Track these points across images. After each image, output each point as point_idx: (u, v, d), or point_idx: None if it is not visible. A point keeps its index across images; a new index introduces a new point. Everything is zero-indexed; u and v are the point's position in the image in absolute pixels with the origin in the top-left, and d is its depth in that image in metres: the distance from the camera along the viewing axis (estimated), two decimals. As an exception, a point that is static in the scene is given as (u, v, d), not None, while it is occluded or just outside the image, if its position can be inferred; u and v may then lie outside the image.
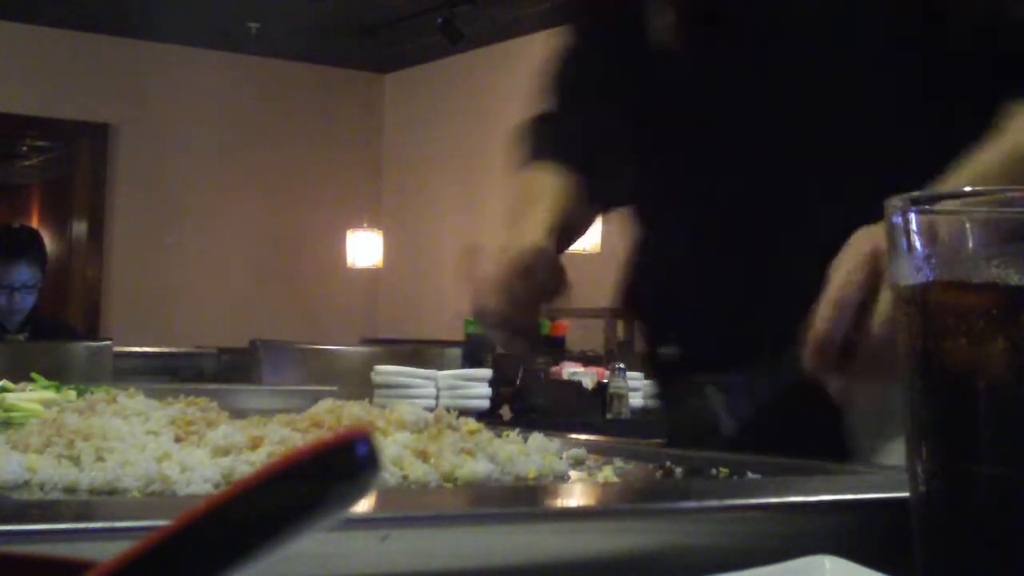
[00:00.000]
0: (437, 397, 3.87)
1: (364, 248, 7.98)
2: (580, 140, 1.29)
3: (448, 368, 4.01)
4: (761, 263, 1.07)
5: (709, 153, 1.09)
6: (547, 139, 1.34)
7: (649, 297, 1.21)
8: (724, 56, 1.10)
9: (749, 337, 1.12)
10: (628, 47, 1.19)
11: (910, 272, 0.54)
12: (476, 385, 3.93)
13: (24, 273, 4.22)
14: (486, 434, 0.89)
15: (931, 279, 0.53)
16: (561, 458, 0.90)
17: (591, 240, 7.66)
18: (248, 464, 0.77)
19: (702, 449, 0.99)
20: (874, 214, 0.60)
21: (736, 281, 1.11)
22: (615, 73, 1.22)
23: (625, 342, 5.75)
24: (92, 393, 1.33)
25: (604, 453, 1.01)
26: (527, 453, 0.87)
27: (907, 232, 0.53)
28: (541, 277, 1.14)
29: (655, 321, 1.26)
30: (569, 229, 1.27)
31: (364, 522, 0.53)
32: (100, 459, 0.77)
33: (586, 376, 4.45)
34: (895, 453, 1.06)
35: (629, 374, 4.31)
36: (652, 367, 1.30)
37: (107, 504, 0.70)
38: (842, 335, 0.83)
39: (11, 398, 1.28)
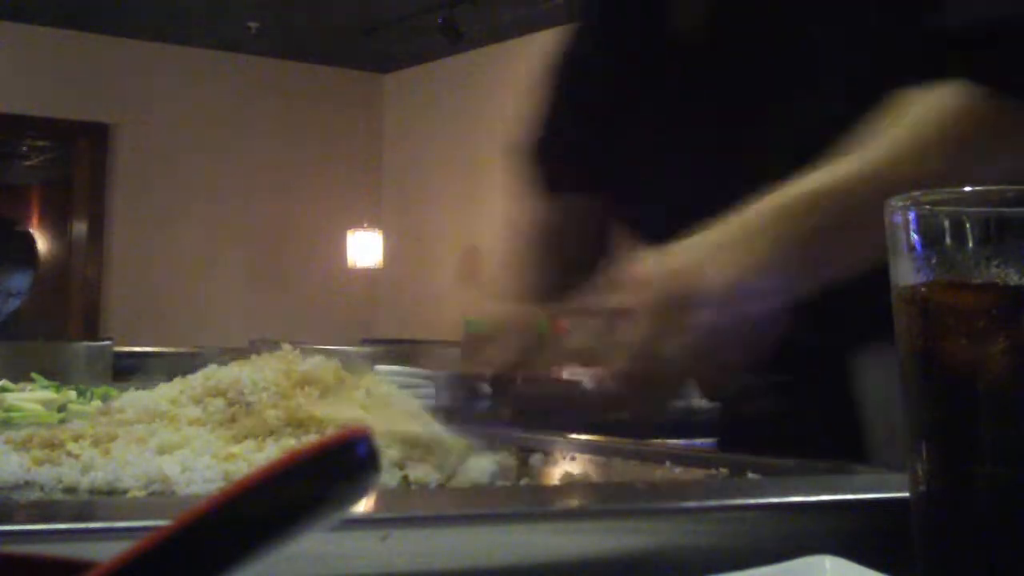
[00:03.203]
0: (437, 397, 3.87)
1: (364, 248, 7.98)
2: (594, 158, 1.24)
3: (448, 368, 4.00)
4: None
5: (733, 154, 1.05)
6: (558, 165, 1.28)
7: None
8: (746, 45, 1.07)
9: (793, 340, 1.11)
10: (644, 44, 1.15)
11: (910, 272, 0.54)
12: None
13: (17, 279, 4.23)
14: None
15: (931, 279, 0.53)
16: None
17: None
18: (249, 464, 0.77)
19: (755, 450, 0.97)
20: None
21: None
22: (626, 74, 1.18)
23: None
24: (92, 393, 1.33)
25: (605, 453, 1.01)
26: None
27: (907, 232, 0.53)
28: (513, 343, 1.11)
29: None
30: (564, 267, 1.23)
31: (364, 522, 0.53)
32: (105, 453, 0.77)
33: (586, 376, 4.45)
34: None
35: (629, 374, 4.30)
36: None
37: (107, 504, 0.70)
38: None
39: (11, 398, 1.28)
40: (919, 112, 0.90)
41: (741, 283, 0.87)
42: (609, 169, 1.23)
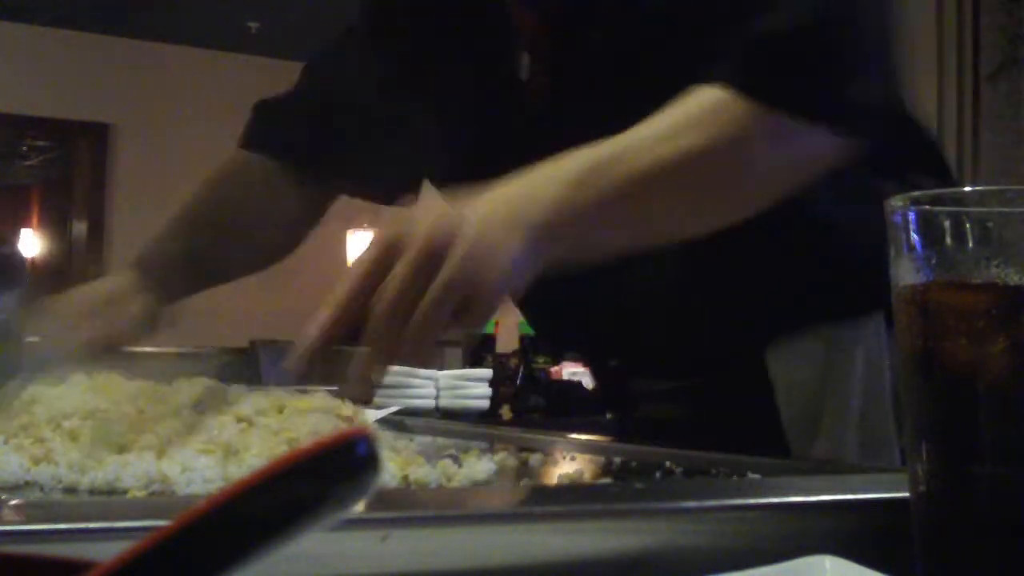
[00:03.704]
0: (437, 397, 3.87)
1: (364, 248, 7.97)
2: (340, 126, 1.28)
3: (448, 368, 4.01)
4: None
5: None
6: (290, 124, 1.33)
7: (554, 314, 1.21)
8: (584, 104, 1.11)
9: (692, 345, 1.13)
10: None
11: (910, 272, 0.54)
12: (476, 385, 3.93)
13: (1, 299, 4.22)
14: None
15: (931, 279, 0.53)
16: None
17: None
18: (249, 465, 0.77)
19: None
20: None
21: (666, 288, 1.11)
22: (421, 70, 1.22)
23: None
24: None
25: (605, 453, 1.01)
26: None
27: (907, 232, 0.53)
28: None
29: (591, 348, 1.27)
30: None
31: (364, 522, 0.53)
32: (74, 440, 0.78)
33: (586, 376, 4.45)
34: (831, 446, 1.07)
35: (629, 374, 4.31)
36: (600, 380, 1.31)
37: (107, 504, 0.70)
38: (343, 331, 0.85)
39: (11, 398, 1.27)
40: (672, 107, 0.95)
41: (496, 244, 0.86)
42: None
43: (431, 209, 0.87)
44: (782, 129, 0.95)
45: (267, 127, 1.32)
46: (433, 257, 0.82)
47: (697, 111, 0.94)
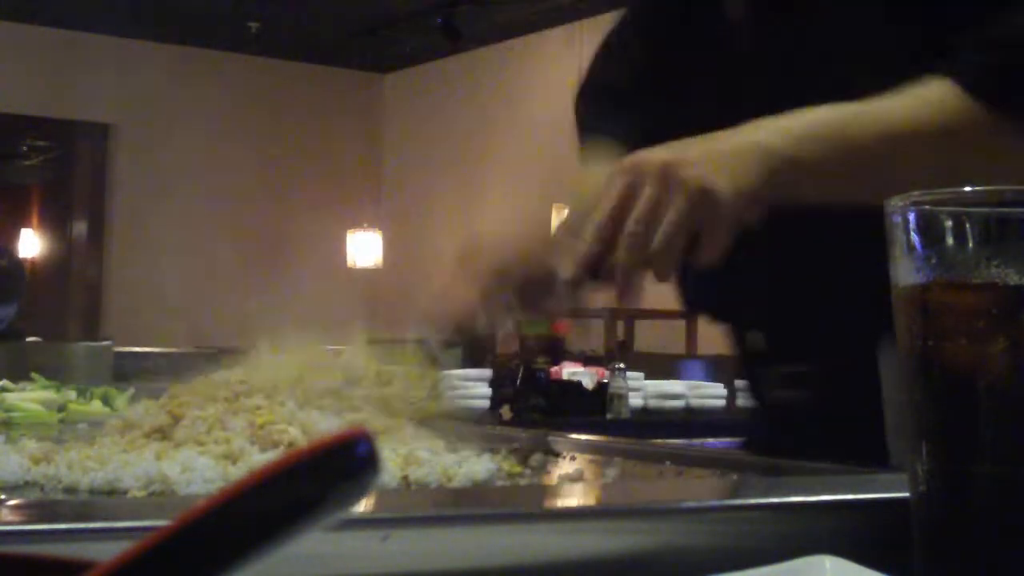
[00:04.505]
0: (437, 397, 3.87)
1: (364, 248, 7.98)
2: (644, 114, 1.27)
3: (448, 368, 4.01)
4: (836, 238, 1.05)
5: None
6: (607, 113, 1.32)
7: (719, 290, 1.20)
8: (784, 26, 1.11)
9: (827, 322, 1.12)
10: (692, 21, 1.20)
11: (910, 272, 0.54)
12: (476, 385, 3.93)
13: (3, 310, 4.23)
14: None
15: (931, 279, 0.53)
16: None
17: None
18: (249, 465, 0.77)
19: (783, 448, 0.99)
20: None
21: (806, 259, 1.10)
22: (679, 45, 1.22)
23: (625, 342, 5.75)
24: (92, 393, 1.33)
25: (605, 453, 1.01)
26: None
27: (907, 232, 0.53)
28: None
29: (731, 314, 1.25)
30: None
31: (364, 522, 0.53)
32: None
33: (586, 376, 4.45)
34: None
35: (629, 374, 4.31)
36: (740, 360, 1.28)
37: (107, 504, 0.70)
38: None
39: (11, 398, 1.28)
40: (922, 91, 0.95)
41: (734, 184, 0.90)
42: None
43: (665, 148, 0.92)
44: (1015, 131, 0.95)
45: (601, 114, 1.35)
46: (672, 183, 0.89)
47: (941, 97, 0.94)
